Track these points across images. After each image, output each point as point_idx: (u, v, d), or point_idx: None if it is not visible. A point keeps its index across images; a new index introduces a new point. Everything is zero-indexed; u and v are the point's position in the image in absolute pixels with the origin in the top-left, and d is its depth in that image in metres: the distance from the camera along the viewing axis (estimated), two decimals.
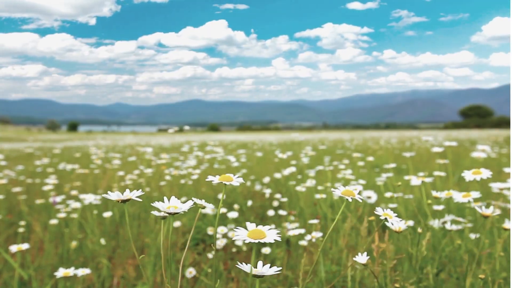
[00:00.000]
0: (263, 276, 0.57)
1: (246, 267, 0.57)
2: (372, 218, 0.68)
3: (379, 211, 0.70)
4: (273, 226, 1.87)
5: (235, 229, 0.58)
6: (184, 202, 0.65)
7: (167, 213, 0.61)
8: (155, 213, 0.65)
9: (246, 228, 0.58)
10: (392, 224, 0.82)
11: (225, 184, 0.65)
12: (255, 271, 0.57)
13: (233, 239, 0.57)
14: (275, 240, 0.55)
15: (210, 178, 0.66)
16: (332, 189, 0.69)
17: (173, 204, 0.63)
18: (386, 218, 0.68)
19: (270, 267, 0.58)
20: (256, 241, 0.55)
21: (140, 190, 0.64)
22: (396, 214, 0.71)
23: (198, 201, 0.69)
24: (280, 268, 0.59)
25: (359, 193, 0.66)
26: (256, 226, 0.59)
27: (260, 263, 0.60)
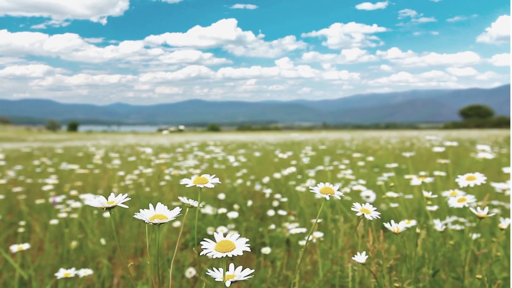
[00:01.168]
0: (235, 281, 0.54)
1: (215, 274, 0.55)
2: (359, 215, 0.68)
3: (356, 207, 0.67)
4: (273, 226, 1.87)
5: (202, 242, 0.54)
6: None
7: (153, 223, 0.56)
8: (137, 216, 0.58)
9: (215, 240, 0.54)
10: (391, 225, 0.82)
11: (200, 187, 0.62)
12: (227, 278, 0.54)
13: (200, 254, 0.55)
14: (243, 251, 0.52)
15: (184, 181, 0.63)
16: (310, 187, 0.66)
17: (159, 213, 0.58)
18: (363, 214, 0.67)
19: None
20: (224, 254, 0.51)
21: (126, 194, 0.59)
22: (375, 210, 0.68)
23: (186, 201, 0.67)
24: (253, 270, 0.56)
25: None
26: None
27: (232, 266, 0.57)
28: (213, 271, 0.56)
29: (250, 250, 0.54)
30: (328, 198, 0.63)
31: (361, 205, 0.68)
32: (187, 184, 0.62)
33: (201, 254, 0.53)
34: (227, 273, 0.56)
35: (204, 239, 0.55)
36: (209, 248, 0.53)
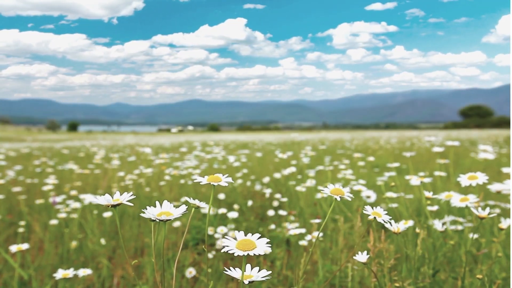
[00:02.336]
0: (252, 282, 0.55)
1: (235, 273, 0.56)
2: (370, 218, 0.68)
3: (368, 210, 0.67)
4: (273, 226, 1.87)
5: (223, 240, 0.56)
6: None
7: (159, 220, 0.58)
8: (144, 215, 0.60)
9: (235, 238, 0.56)
10: (391, 225, 0.82)
11: (213, 185, 0.63)
12: (245, 278, 0.55)
13: (221, 251, 0.55)
14: (264, 251, 0.53)
15: (198, 179, 0.64)
16: (321, 188, 0.67)
17: (165, 210, 0.60)
18: (375, 218, 0.67)
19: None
20: (246, 253, 0.52)
21: (131, 193, 0.61)
22: (386, 212, 0.69)
23: (192, 201, 0.68)
24: (270, 272, 0.57)
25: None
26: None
27: (248, 266, 0.58)
28: (230, 270, 0.57)
29: (270, 250, 0.55)
30: (339, 199, 0.63)
31: (373, 208, 0.68)
32: (201, 182, 0.63)
33: (222, 251, 0.54)
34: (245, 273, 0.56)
35: (225, 236, 0.55)
36: (231, 246, 0.54)
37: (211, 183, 0.63)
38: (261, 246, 0.54)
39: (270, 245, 0.55)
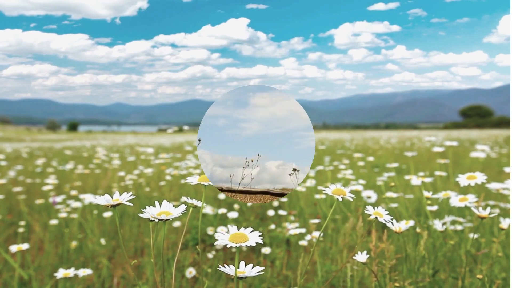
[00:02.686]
0: (245, 278, 0.56)
1: (228, 270, 0.56)
2: (370, 218, 0.68)
3: (369, 210, 0.67)
4: (273, 226, 1.87)
5: (216, 234, 0.57)
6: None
7: (159, 219, 0.58)
8: (143, 215, 0.59)
9: (230, 232, 0.57)
10: (393, 224, 0.82)
11: (204, 185, 0.64)
12: (238, 273, 0.56)
13: (214, 243, 0.57)
14: (256, 243, 0.55)
15: (189, 179, 0.65)
16: (322, 188, 0.67)
17: (165, 210, 0.60)
18: (376, 217, 0.67)
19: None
20: (238, 245, 0.54)
21: (131, 193, 0.61)
22: (387, 212, 0.69)
23: (190, 201, 0.68)
24: (263, 268, 0.58)
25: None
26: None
27: (242, 263, 0.59)
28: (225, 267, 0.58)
29: (263, 243, 0.56)
30: (340, 199, 0.63)
31: (374, 208, 0.68)
32: (192, 182, 0.64)
33: (215, 244, 0.55)
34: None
35: (217, 231, 0.56)
36: (224, 239, 0.55)
37: (202, 183, 0.64)
38: (253, 238, 0.55)
39: (262, 237, 0.56)
